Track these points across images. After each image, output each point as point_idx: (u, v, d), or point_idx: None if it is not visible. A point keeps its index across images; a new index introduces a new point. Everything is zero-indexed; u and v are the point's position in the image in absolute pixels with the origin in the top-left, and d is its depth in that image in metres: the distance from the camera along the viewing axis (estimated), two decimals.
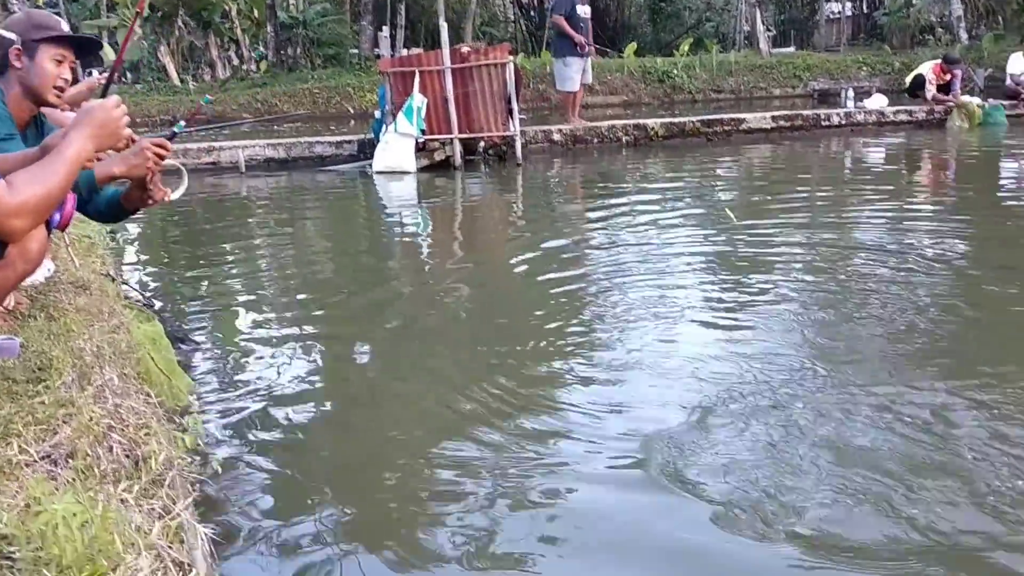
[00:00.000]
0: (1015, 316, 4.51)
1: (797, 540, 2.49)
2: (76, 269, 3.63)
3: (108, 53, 21.38)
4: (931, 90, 13.02)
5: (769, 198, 8.33)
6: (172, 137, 2.71)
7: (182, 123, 3.01)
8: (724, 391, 3.53)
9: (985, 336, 4.21)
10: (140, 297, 4.32)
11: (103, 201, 3.00)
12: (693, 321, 4.59)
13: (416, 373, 4.10)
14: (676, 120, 12.58)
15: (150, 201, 2.91)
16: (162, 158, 2.74)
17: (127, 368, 2.86)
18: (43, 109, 3.75)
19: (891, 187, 8.82)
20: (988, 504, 2.63)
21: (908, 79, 13.98)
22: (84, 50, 3.20)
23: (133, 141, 2.61)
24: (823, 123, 12.71)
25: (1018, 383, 3.49)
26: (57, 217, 2.30)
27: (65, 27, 3.12)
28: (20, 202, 1.98)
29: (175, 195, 2.90)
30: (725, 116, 12.69)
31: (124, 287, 4.21)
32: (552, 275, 5.70)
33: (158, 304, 4.95)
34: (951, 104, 12.84)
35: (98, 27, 22.32)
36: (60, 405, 2.25)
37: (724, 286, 5.27)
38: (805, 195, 8.43)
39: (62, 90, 3.05)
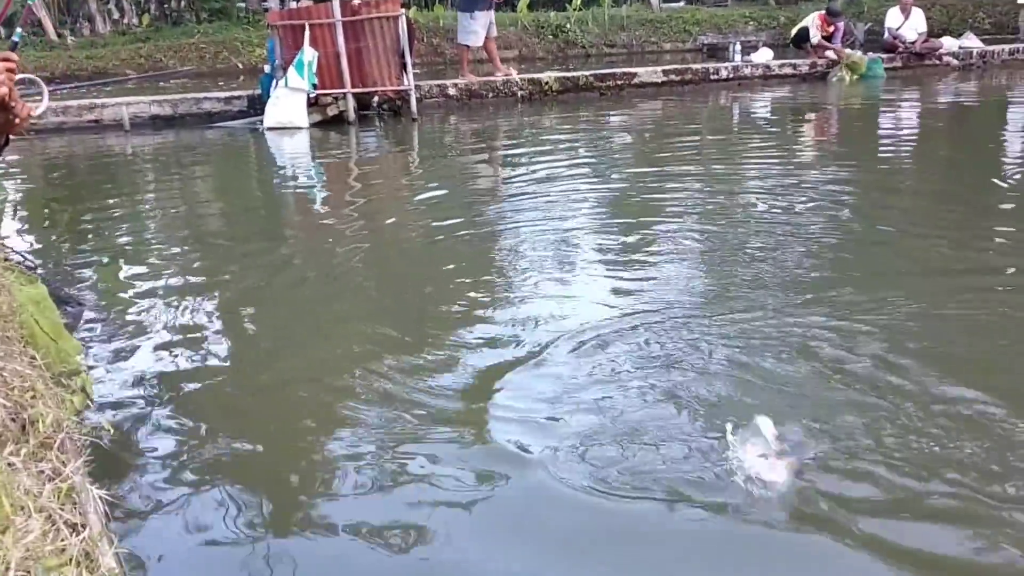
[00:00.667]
0: (881, 248, 4.81)
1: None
2: None
3: None
4: (816, 36, 13.40)
5: (660, 149, 8.51)
6: (14, 48, 2.55)
7: (19, 31, 2.84)
8: (621, 340, 3.65)
9: (858, 265, 4.46)
10: (21, 259, 4.17)
11: None
12: (589, 271, 4.71)
13: (308, 327, 4.09)
14: (570, 75, 12.65)
15: (16, 121, 2.67)
16: (13, 72, 2.53)
17: (9, 331, 2.78)
18: None
19: (777, 138, 9.12)
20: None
21: (793, 32, 14.39)
22: None
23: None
24: (712, 77, 12.98)
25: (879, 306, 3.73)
26: None
27: None
28: None
29: (40, 110, 2.74)
30: (617, 71, 12.82)
31: (5, 249, 4.04)
32: (448, 228, 5.73)
33: (41, 266, 4.79)
34: (832, 55, 13.27)
35: None
36: None
37: (617, 232, 5.44)
38: (695, 146, 8.65)
39: None
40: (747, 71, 13.21)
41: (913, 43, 13.91)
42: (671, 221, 5.66)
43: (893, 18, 14.23)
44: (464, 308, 4.22)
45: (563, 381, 3.26)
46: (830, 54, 13.31)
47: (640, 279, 4.53)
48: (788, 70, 13.35)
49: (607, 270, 4.71)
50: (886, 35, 14.28)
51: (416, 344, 3.70)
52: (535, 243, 5.28)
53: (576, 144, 9.02)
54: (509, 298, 4.35)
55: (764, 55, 13.79)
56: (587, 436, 2.83)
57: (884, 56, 13.68)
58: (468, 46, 12.00)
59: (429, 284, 4.71)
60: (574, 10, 19.38)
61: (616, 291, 4.34)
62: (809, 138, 9.36)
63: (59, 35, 18.75)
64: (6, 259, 3.81)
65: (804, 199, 6.09)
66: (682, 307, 4.02)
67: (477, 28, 11.72)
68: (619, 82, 12.43)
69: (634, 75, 12.58)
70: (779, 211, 5.79)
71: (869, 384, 3.13)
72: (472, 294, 4.42)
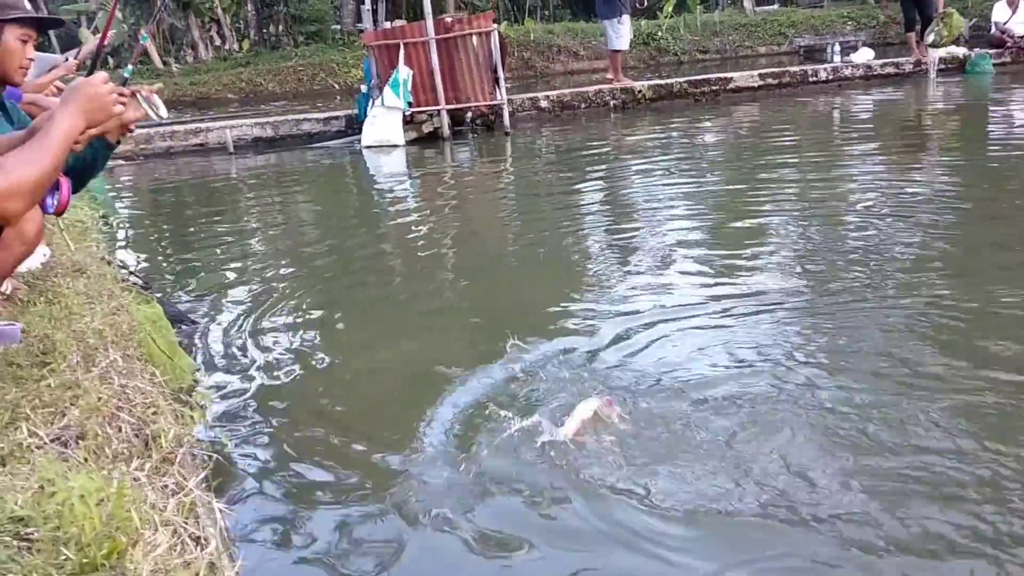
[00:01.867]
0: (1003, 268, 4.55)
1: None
2: (72, 253, 3.62)
3: (87, 38, 21.16)
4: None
5: (758, 154, 8.33)
6: (124, 83, 2.63)
7: (130, 67, 2.93)
8: (716, 357, 3.58)
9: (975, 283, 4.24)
10: (137, 279, 4.31)
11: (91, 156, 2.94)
12: (688, 284, 4.64)
13: (413, 341, 4.13)
14: (663, 82, 12.52)
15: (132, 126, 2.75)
16: (124, 95, 2.58)
17: (130, 349, 2.86)
18: (29, 96, 3.72)
19: (880, 140, 8.82)
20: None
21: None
22: (45, 28, 3.18)
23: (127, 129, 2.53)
24: (810, 79, 12.66)
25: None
26: (50, 201, 2.27)
27: (28, 5, 3.09)
28: (13, 183, 1.95)
29: (163, 112, 2.70)
30: (712, 76, 12.64)
31: (121, 270, 4.20)
32: (544, 241, 5.76)
33: (154, 285, 4.96)
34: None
35: (77, 12, 22.06)
36: (67, 387, 2.26)
37: (716, 238, 5.37)
38: (795, 150, 8.42)
39: (26, 69, 3.03)
40: (847, 72, 12.85)
41: (1022, 37, 13.31)
42: (771, 224, 5.57)
43: (1000, 12, 13.65)
44: (558, 309, 4.27)
45: (647, 369, 3.26)
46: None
47: (741, 282, 4.48)
48: (891, 69, 12.93)
49: (703, 275, 4.69)
50: (993, 30, 13.70)
51: (520, 342, 3.72)
52: (631, 246, 5.35)
53: (671, 151, 8.92)
54: (606, 295, 4.45)
55: (864, 55, 13.40)
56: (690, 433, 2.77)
57: (992, 52, 13.12)
58: (618, 51, 12.12)
59: (523, 286, 4.88)
60: (665, 17, 19.23)
61: (714, 298, 4.28)
62: (914, 140, 9.02)
63: (164, 63, 19.52)
64: (124, 280, 3.95)
65: (907, 203, 5.87)
66: (785, 305, 3.92)
67: (625, 32, 11.94)
68: (714, 87, 12.25)
69: (729, 80, 12.38)
70: (882, 215, 5.61)
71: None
72: (567, 297, 4.47)
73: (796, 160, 7.90)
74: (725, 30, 19.36)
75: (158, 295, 4.41)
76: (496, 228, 6.52)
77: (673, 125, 10.69)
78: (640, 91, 12.05)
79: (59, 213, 2.32)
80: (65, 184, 2.25)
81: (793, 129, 9.88)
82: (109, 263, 3.99)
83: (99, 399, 2.17)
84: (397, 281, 5.30)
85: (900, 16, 14.56)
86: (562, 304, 4.39)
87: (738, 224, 5.76)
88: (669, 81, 12.51)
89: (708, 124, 10.70)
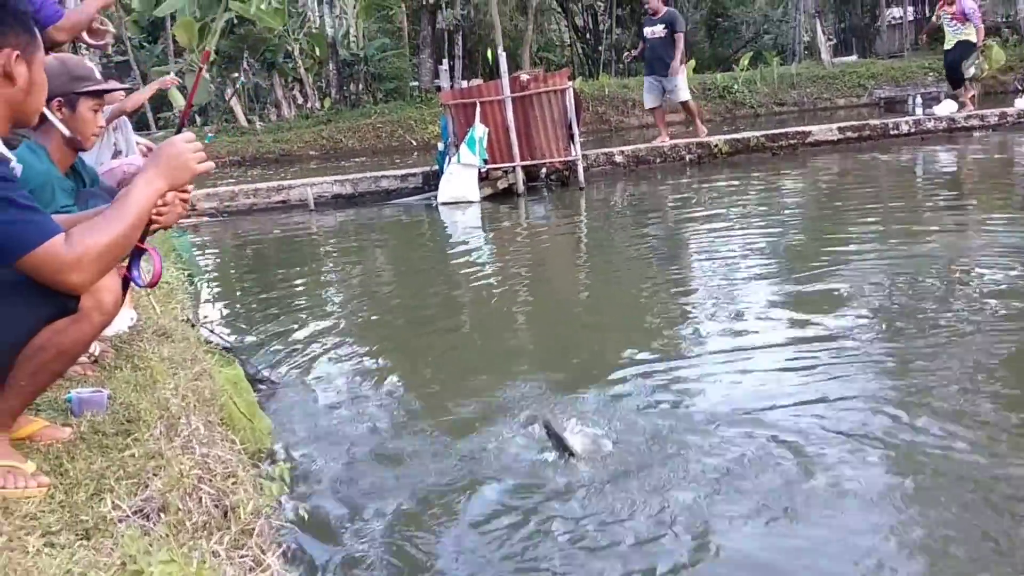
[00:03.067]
0: None
1: None
2: (158, 316, 3.71)
3: (176, 98, 22.03)
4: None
5: (838, 210, 8.18)
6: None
7: (211, 134, 3.06)
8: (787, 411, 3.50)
9: None
10: (219, 340, 4.40)
11: None
12: (763, 331, 4.69)
13: (492, 402, 4.11)
14: (740, 136, 12.43)
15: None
16: (186, 203, 2.62)
17: (211, 415, 2.90)
18: (115, 160, 3.85)
19: (964, 195, 8.59)
20: None
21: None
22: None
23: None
24: (891, 132, 12.42)
25: None
26: (137, 273, 2.31)
27: (99, 74, 3.24)
28: (77, 255, 1.93)
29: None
30: (790, 130, 12.50)
31: (204, 330, 4.28)
32: (616, 293, 5.85)
33: (235, 344, 5.06)
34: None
35: (167, 73, 22.99)
36: (150, 458, 2.29)
37: (792, 295, 5.29)
38: (877, 205, 8.25)
39: (98, 136, 3.16)
40: (930, 124, 12.57)
41: None
42: (851, 275, 5.56)
43: None
44: (631, 357, 4.34)
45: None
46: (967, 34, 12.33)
47: (820, 328, 4.55)
48: (975, 122, 12.60)
49: (780, 323, 4.72)
50: None
51: (593, 389, 3.82)
52: (706, 297, 5.45)
53: (747, 206, 8.81)
54: (680, 342, 4.53)
55: (947, 107, 13.10)
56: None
57: None
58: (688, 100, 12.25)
59: (594, 333, 5.00)
60: (741, 70, 19.17)
61: (792, 341, 4.28)
62: (1000, 195, 8.75)
63: (249, 121, 20.17)
64: (206, 340, 4.02)
65: (994, 256, 5.71)
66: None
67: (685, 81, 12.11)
68: (792, 141, 12.11)
69: (808, 134, 12.23)
70: (967, 267, 5.51)
71: None
72: (639, 345, 4.57)
73: (878, 213, 7.75)
74: (802, 82, 19.19)
75: (240, 356, 4.48)
76: (569, 280, 6.71)
77: (750, 180, 10.59)
78: (716, 145, 11.98)
79: (152, 285, 2.36)
80: (157, 257, 2.29)
81: (874, 183, 9.70)
82: (193, 325, 4.08)
83: (180, 470, 2.19)
84: (472, 335, 5.42)
85: (984, 66, 14.24)
86: (635, 352, 4.51)
87: (816, 276, 5.70)
88: (746, 135, 12.41)
89: (786, 178, 10.57)
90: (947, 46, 12.55)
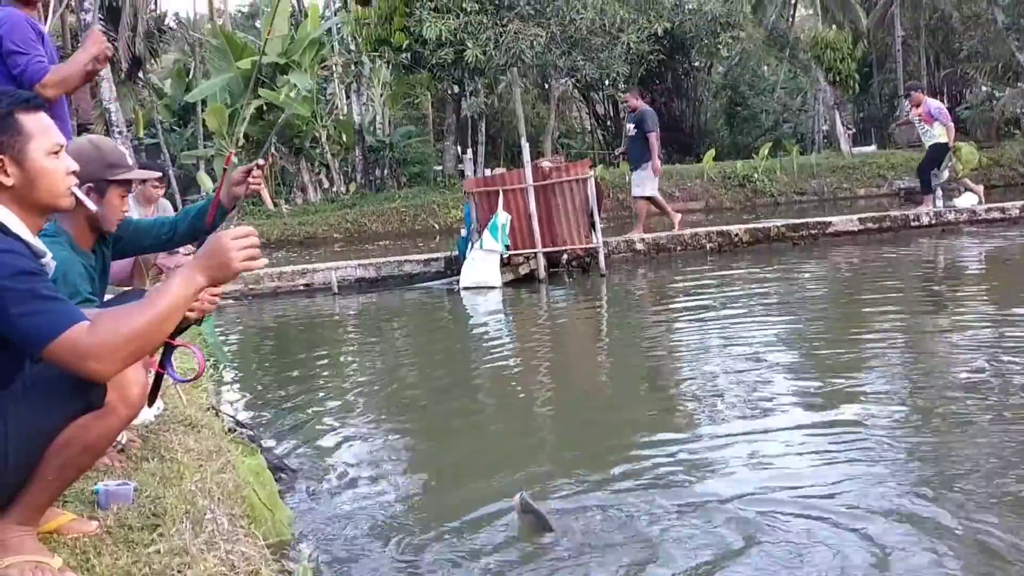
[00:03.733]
0: None
1: None
2: (184, 407, 3.75)
3: (204, 181, 22.51)
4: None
5: (858, 302, 8.19)
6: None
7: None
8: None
9: None
10: (243, 430, 4.43)
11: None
12: (783, 428, 4.64)
13: (510, 475, 4.18)
14: (760, 225, 12.53)
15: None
16: (218, 297, 2.64)
17: (235, 508, 2.92)
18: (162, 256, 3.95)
19: (986, 289, 8.57)
20: None
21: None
22: None
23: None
24: (912, 224, 12.46)
25: None
26: (172, 370, 2.35)
27: (131, 160, 3.28)
28: (99, 343, 1.91)
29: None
30: (811, 220, 12.60)
31: (228, 418, 4.32)
32: (636, 377, 5.97)
33: (256, 431, 5.09)
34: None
35: (196, 157, 23.56)
36: (175, 554, 2.31)
37: (814, 397, 5.22)
38: (899, 295, 8.25)
39: (122, 220, 3.15)
40: (950, 216, 12.62)
41: None
42: (873, 363, 5.59)
43: None
44: (642, 440, 4.30)
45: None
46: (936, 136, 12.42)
47: (841, 412, 4.61)
48: (996, 214, 12.65)
49: (801, 407, 4.76)
50: None
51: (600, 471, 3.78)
52: (726, 384, 5.48)
53: (768, 295, 8.84)
54: (699, 427, 4.55)
55: (968, 199, 13.16)
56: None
57: None
58: (645, 197, 12.19)
59: (612, 418, 5.05)
60: (761, 159, 19.41)
61: (814, 425, 4.28)
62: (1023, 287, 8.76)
63: (275, 204, 20.54)
64: (231, 430, 4.06)
65: (1017, 353, 5.67)
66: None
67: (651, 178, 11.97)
68: (813, 231, 12.18)
69: (829, 224, 12.31)
70: (991, 353, 5.51)
71: None
72: (659, 427, 4.57)
73: (900, 304, 7.75)
74: (822, 172, 19.40)
75: (261, 444, 4.51)
76: (587, 366, 6.82)
77: (771, 269, 10.63)
78: (737, 234, 12.08)
79: (196, 377, 2.38)
80: (199, 354, 2.34)
81: (896, 274, 9.72)
82: (217, 413, 4.12)
83: (205, 568, 2.20)
84: (490, 419, 5.51)
85: (1004, 157, 14.35)
86: (648, 435, 4.62)
87: (838, 366, 5.75)
88: (766, 224, 12.51)
89: (807, 268, 10.62)
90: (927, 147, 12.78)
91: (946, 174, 12.55)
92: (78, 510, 2.58)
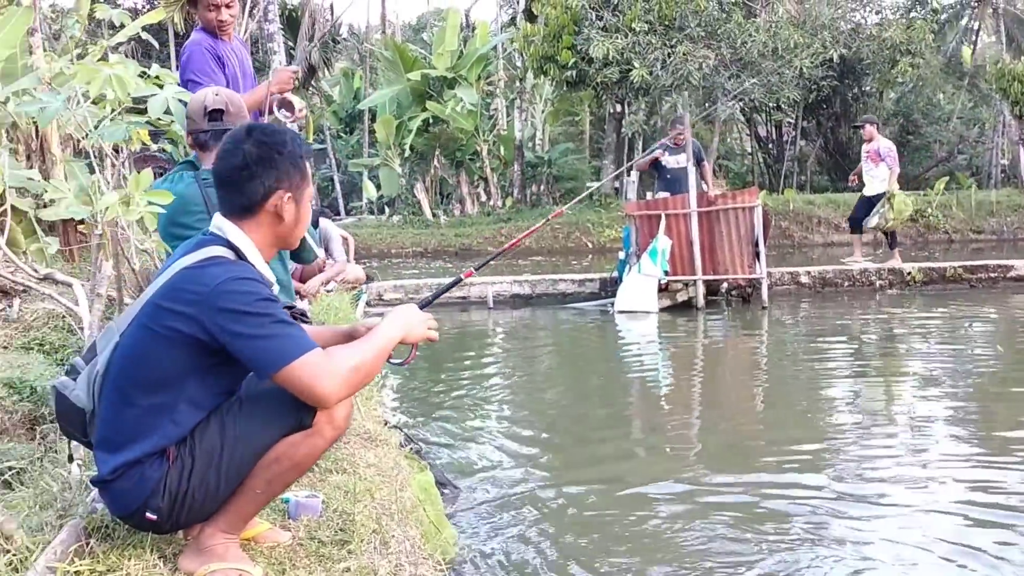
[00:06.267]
0: None
1: None
2: (362, 419, 3.84)
3: (368, 188, 23.27)
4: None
5: None
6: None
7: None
8: None
9: None
10: (413, 444, 4.51)
11: None
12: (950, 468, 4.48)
13: (668, 509, 4.08)
14: (935, 265, 11.89)
15: None
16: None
17: (412, 528, 2.95)
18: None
19: None
20: None
21: None
22: None
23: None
24: None
25: None
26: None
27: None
28: (331, 371, 2.13)
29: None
30: (991, 262, 11.86)
31: (399, 433, 4.41)
32: (787, 423, 5.72)
33: (422, 444, 5.18)
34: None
35: (363, 165, 24.40)
36: (364, 573, 2.35)
37: (982, 459, 4.87)
38: None
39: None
40: None
41: None
42: None
43: None
44: (793, 482, 4.07)
45: None
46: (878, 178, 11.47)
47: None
48: None
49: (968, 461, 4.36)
50: None
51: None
52: (884, 439, 5.20)
53: (942, 341, 8.33)
54: (850, 479, 4.29)
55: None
56: None
57: None
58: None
59: (758, 458, 4.86)
60: (936, 194, 18.46)
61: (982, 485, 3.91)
62: None
63: (434, 215, 21.02)
64: (402, 445, 4.13)
65: None
66: None
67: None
68: (992, 275, 11.47)
69: (1010, 268, 11.56)
70: None
71: None
72: (813, 470, 4.27)
73: None
74: (1002, 211, 18.29)
75: (428, 459, 4.58)
76: (741, 401, 6.62)
77: (945, 312, 10.05)
78: (910, 273, 11.50)
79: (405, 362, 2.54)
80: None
81: None
82: (394, 426, 4.21)
83: None
84: (639, 445, 5.51)
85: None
86: (800, 480, 4.39)
87: (1015, 425, 5.31)
88: (942, 265, 11.87)
89: (985, 315, 9.99)
90: (866, 189, 11.91)
91: (875, 220, 11.60)
92: (269, 519, 2.67)
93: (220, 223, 2.29)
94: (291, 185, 2.30)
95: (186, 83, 3.95)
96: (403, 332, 2.36)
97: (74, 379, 2.31)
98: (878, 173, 11.70)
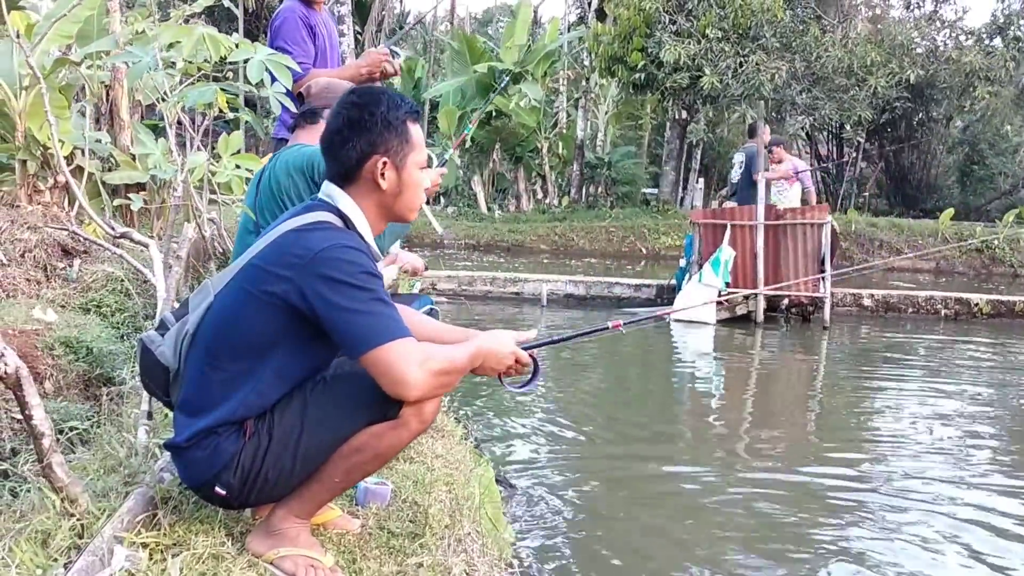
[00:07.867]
0: None
1: None
2: None
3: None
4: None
5: None
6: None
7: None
8: None
9: None
10: (473, 438, 4.40)
11: None
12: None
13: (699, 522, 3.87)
14: (1004, 298, 11.52)
15: None
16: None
17: (478, 525, 2.84)
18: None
19: None
20: None
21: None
22: None
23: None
24: None
25: None
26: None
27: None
28: (425, 357, 2.03)
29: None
30: None
31: (461, 428, 4.30)
32: (842, 449, 5.59)
33: (480, 439, 5.09)
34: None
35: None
36: (437, 569, 2.23)
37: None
38: None
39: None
40: None
41: None
42: None
43: None
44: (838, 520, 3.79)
45: None
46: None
47: None
48: None
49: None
50: None
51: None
52: (935, 479, 4.97)
53: (1007, 379, 8.02)
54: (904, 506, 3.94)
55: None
56: None
57: None
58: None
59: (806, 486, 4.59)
60: (1003, 226, 17.95)
61: None
62: None
63: (489, 208, 20.93)
64: (464, 439, 4.01)
65: None
66: None
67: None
68: None
69: None
70: None
71: None
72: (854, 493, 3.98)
73: None
74: None
75: (489, 455, 4.47)
76: (794, 421, 6.47)
77: (1013, 348, 9.71)
78: (976, 304, 11.16)
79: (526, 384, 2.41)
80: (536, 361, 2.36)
81: None
82: (457, 420, 4.11)
83: None
84: (688, 454, 5.39)
85: None
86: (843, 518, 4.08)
87: None
88: (1012, 299, 11.48)
89: None
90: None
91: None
92: (338, 504, 2.56)
93: (330, 190, 2.18)
94: (388, 150, 2.16)
95: (276, 49, 3.86)
96: (481, 362, 2.22)
97: (162, 335, 2.21)
98: (791, 193, 11.32)
